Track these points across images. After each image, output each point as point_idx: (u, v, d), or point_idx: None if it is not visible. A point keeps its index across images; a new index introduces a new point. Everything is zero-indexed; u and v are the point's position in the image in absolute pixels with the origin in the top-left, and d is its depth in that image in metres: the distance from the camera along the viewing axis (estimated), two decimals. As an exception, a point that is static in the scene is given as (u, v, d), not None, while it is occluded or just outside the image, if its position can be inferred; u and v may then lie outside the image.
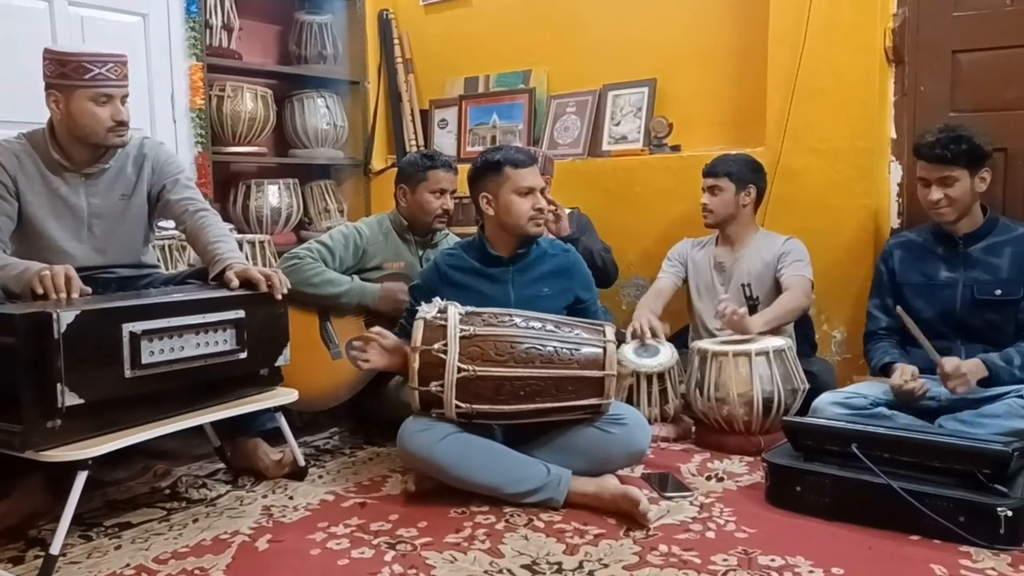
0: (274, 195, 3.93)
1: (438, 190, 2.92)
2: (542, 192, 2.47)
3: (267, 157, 4.06)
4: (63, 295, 2.06)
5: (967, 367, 2.33)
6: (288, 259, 2.82)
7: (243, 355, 2.20)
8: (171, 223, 2.80)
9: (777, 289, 2.88)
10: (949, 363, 2.33)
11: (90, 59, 2.25)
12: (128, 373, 1.95)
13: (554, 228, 3.00)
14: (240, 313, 2.19)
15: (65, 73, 2.24)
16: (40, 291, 2.06)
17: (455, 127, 4.19)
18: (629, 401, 2.68)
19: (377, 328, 2.37)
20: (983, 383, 2.36)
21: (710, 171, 2.97)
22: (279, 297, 2.28)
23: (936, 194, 2.47)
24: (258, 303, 2.25)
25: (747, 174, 2.96)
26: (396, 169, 3.14)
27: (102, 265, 2.42)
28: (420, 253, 3.00)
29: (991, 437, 2.07)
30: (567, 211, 3.15)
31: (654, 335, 2.79)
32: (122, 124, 2.31)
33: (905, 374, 2.43)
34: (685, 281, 3.11)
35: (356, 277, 2.85)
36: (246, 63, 3.94)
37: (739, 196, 2.94)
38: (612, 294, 3.44)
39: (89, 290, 2.16)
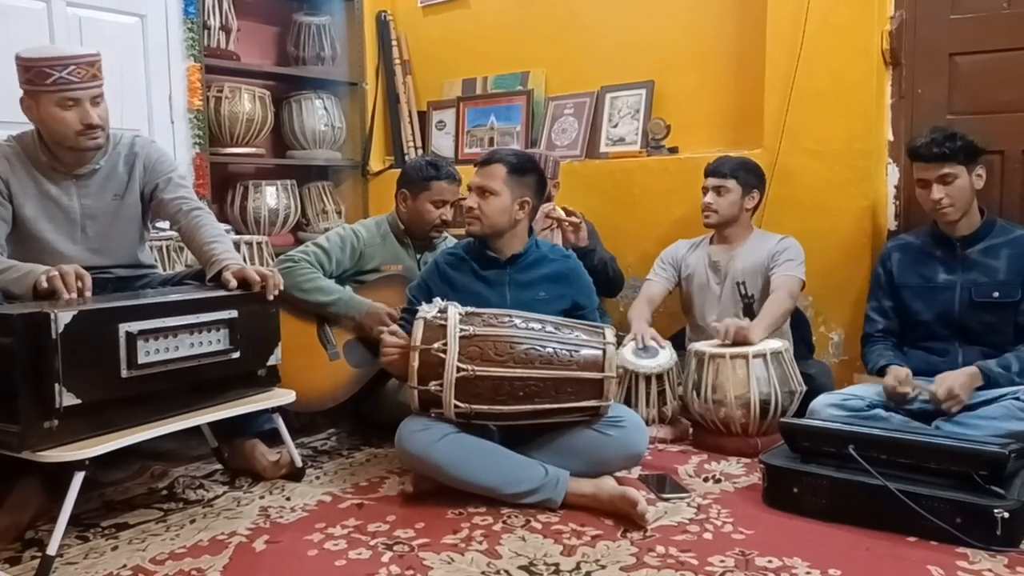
0: (272, 196, 3.93)
1: (439, 201, 2.91)
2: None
3: (265, 158, 4.07)
4: (73, 294, 2.06)
5: (959, 385, 2.32)
6: (282, 262, 2.81)
7: (236, 355, 2.20)
8: (167, 223, 2.80)
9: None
10: (941, 388, 2.32)
11: (49, 63, 2.21)
12: (125, 373, 1.95)
13: (573, 239, 2.99)
14: (233, 313, 2.19)
15: (30, 79, 2.23)
16: (65, 293, 2.05)
17: (453, 129, 4.19)
18: (627, 403, 2.69)
19: (394, 327, 2.38)
20: (980, 388, 2.35)
21: (716, 171, 2.95)
22: (270, 298, 2.28)
23: (937, 193, 2.47)
24: (250, 303, 2.25)
25: (753, 179, 2.96)
26: (395, 171, 3.13)
27: (98, 266, 2.41)
28: (418, 256, 3.00)
29: (988, 439, 2.08)
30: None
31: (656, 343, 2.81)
32: (91, 127, 2.26)
33: (899, 376, 2.43)
34: (677, 284, 3.11)
35: (349, 287, 2.83)
36: (244, 64, 3.94)
37: (744, 199, 2.95)
38: (610, 295, 3.44)
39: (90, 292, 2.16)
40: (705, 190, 2.97)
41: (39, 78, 2.22)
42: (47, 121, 2.26)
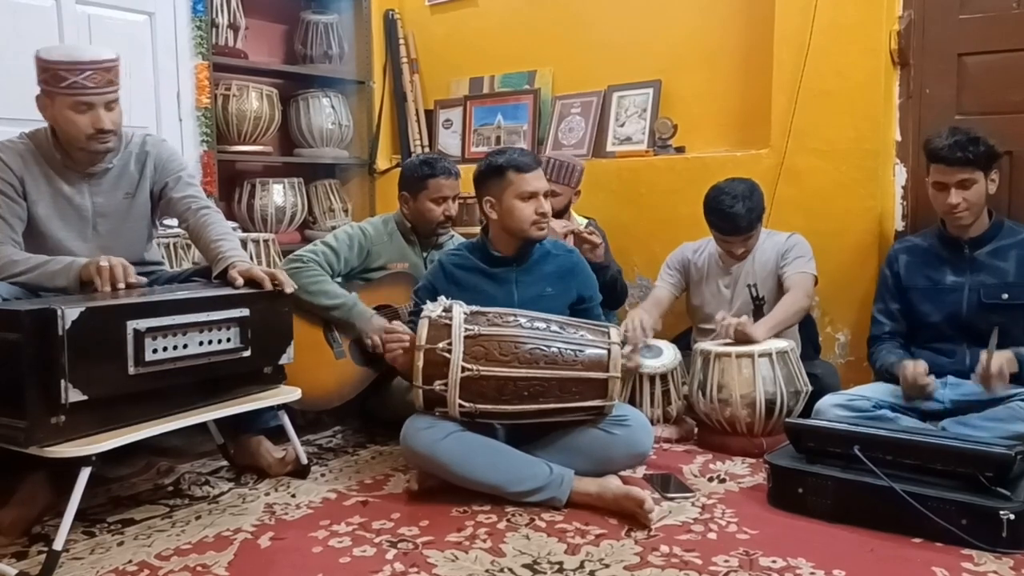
0: (279, 194, 3.94)
1: (439, 198, 2.90)
2: (547, 196, 2.45)
3: (272, 156, 4.08)
4: (121, 286, 2.11)
5: (1007, 361, 2.28)
6: (291, 262, 2.81)
7: (247, 353, 2.20)
8: (174, 221, 2.81)
9: (783, 288, 2.87)
10: (994, 363, 2.27)
11: (66, 67, 2.22)
12: (132, 370, 1.95)
13: (590, 256, 2.96)
14: (244, 311, 2.19)
15: (47, 79, 2.24)
16: (99, 283, 2.10)
17: (460, 127, 4.19)
18: (632, 402, 2.69)
19: (393, 325, 2.39)
20: (1011, 377, 2.33)
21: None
22: (289, 291, 2.28)
23: (956, 198, 2.45)
24: (262, 301, 2.25)
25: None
26: (400, 171, 3.13)
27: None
28: (425, 254, 3.00)
29: (994, 440, 2.07)
30: (585, 223, 3.12)
31: (644, 333, 2.78)
32: (102, 132, 2.28)
33: (919, 368, 2.40)
34: (685, 289, 3.10)
35: (355, 294, 2.82)
36: (252, 62, 3.95)
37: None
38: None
39: (145, 280, 2.24)
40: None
41: (55, 80, 2.23)
42: (60, 122, 2.27)
